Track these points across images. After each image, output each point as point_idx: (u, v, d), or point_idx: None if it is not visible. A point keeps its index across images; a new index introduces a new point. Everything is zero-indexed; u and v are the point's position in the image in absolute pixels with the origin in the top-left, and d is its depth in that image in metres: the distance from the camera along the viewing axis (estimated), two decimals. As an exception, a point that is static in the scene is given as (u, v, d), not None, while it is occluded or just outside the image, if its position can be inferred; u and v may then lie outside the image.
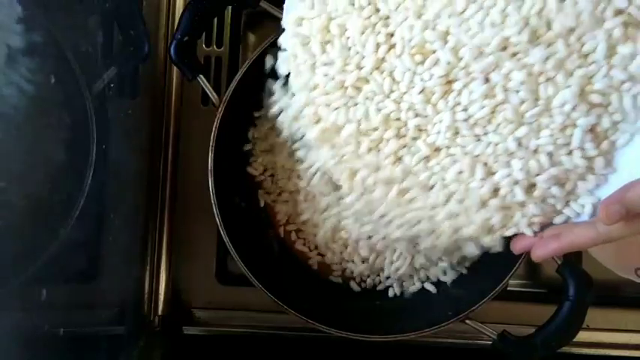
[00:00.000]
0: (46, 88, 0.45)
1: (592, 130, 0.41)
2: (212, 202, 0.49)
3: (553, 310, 0.48)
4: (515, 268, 0.48)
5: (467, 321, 0.49)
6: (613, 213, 0.37)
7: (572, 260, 0.49)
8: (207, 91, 0.51)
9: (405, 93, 0.43)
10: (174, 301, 0.60)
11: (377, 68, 0.43)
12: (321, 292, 0.54)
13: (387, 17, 0.42)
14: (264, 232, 0.55)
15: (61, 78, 0.46)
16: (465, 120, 0.42)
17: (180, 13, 0.50)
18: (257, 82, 0.53)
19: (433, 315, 0.50)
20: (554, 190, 0.42)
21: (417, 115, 0.43)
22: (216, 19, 0.61)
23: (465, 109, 0.41)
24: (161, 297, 0.60)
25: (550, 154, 0.41)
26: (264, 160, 0.54)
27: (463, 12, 0.40)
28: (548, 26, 0.39)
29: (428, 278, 0.54)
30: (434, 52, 0.41)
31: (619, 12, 0.39)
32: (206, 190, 0.49)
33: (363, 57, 0.43)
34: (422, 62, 0.42)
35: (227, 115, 0.50)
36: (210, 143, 0.50)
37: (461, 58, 0.41)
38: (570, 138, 0.41)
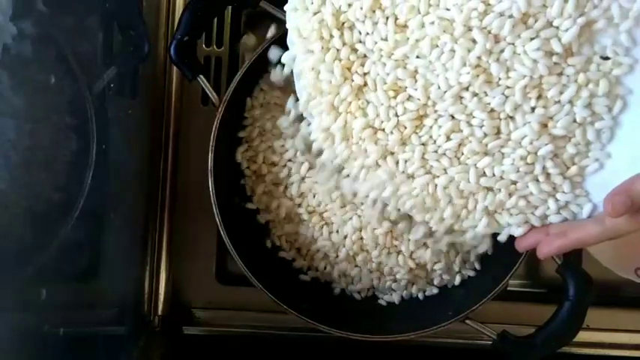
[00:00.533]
0: (46, 88, 0.45)
1: (556, 156, 0.43)
2: (212, 202, 0.49)
3: (553, 310, 0.48)
4: (515, 268, 0.48)
5: (467, 321, 0.49)
6: (619, 204, 0.37)
7: (572, 260, 0.49)
8: (207, 91, 0.50)
9: (379, 129, 0.44)
10: (174, 301, 0.60)
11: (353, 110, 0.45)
12: (321, 292, 0.54)
13: (364, 56, 0.44)
14: (264, 232, 0.55)
15: (61, 78, 0.46)
16: (435, 151, 0.44)
17: (180, 13, 0.50)
18: (257, 82, 0.53)
19: (433, 315, 0.50)
20: (515, 219, 0.44)
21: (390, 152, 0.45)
22: (216, 19, 0.60)
23: (435, 142, 0.44)
24: (161, 297, 0.60)
25: (514, 182, 0.43)
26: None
27: (430, 54, 0.42)
28: (508, 72, 0.41)
29: (431, 282, 0.54)
30: (406, 88, 0.43)
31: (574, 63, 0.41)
32: (206, 190, 0.49)
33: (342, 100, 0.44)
34: (395, 97, 0.43)
35: (227, 115, 0.50)
36: (210, 143, 0.49)
37: (429, 97, 0.43)
38: (533, 166, 0.43)
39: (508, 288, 0.51)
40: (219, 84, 0.61)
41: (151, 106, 0.60)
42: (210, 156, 0.49)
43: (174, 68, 0.60)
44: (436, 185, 0.44)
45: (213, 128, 0.50)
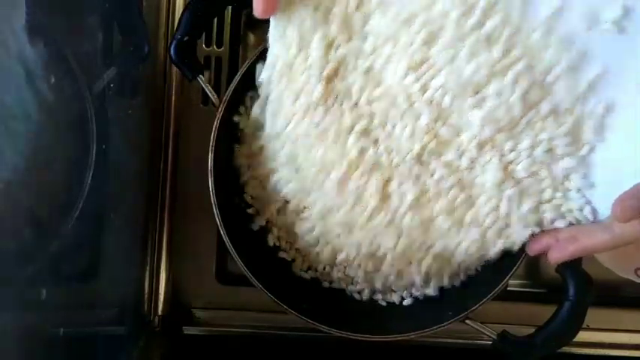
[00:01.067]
0: (45, 89, 0.45)
1: (524, 192, 0.44)
2: (212, 202, 0.49)
3: (553, 310, 0.48)
4: (515, 268, 0.48)
5: (467, 321, 0.49)
6: (628, 208, 0.37)
7: (572, 260, 0.49)
8: (207, 91, 0.50)
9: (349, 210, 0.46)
10: (174, 301, 0.60)
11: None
12: (321, 292, 0.54)
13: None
14: (264, 232, 0.55)
15: (61, 78, 0.46)
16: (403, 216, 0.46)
17: (180, 13, 0.50)
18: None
19: (433, 315, 0.50)
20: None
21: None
22: (216, 19, 0.60)
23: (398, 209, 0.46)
24: (161, 297, 0.60)
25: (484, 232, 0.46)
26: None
27: (384, 129, 0.44)
28: (458, 134, 0.43)
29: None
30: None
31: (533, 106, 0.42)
32: (206, 190, 0.49)
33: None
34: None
35: (227, 115, 0.50)
36: (210, 143, 0.49)
37: (392, 161, 0.44)
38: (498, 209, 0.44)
39: (508, 288, 0.51)
40: (219, 84, 0.61)
41: (151, 106, 0.60)
42: (210, 156, 0.49)
43: (174, 68, 0.60)
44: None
45: (213, 128, 0.50)
